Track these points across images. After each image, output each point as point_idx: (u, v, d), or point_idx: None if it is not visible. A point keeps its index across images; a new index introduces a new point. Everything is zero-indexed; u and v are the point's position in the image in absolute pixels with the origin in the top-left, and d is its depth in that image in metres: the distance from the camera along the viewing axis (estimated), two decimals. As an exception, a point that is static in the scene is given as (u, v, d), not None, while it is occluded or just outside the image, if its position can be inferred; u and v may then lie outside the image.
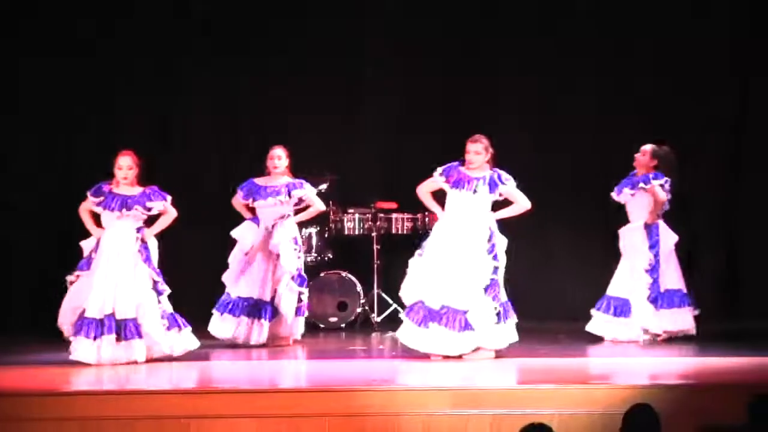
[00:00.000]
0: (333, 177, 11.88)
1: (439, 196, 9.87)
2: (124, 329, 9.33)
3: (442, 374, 8.85)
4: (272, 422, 7.68)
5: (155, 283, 9.50)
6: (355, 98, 12.94)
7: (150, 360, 9.40)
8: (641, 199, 10.77)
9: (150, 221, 9.72)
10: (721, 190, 12.53)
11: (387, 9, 12.87)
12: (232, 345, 10.48)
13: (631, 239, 10.79)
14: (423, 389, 8.12)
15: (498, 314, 9.55)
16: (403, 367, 9.36)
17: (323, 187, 11.68)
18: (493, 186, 9.63)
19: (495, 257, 9.57)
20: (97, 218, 9.60)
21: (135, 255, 9.46)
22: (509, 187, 9.70)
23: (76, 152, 12.40)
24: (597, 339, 10.77)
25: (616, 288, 10.82)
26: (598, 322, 10.80)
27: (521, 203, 9.76)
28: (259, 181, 10.63)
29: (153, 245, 9.62)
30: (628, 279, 10.78)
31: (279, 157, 10.58)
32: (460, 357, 9.40)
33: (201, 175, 12.62)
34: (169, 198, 9.60)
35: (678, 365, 9.57)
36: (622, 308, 10.74)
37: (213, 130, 12.82)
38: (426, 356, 9.44)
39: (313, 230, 11.95)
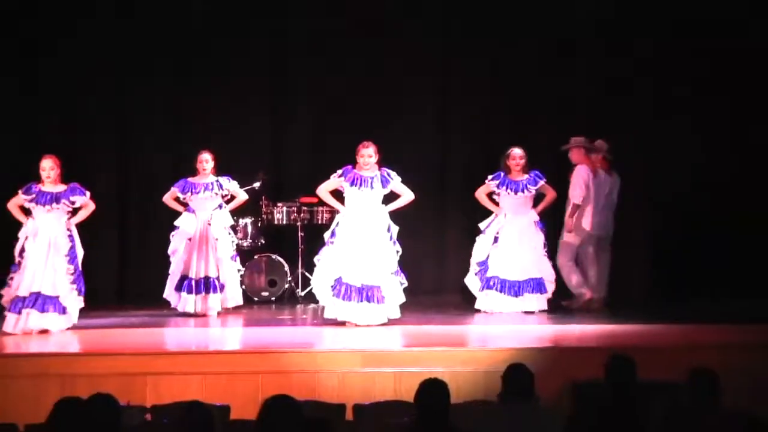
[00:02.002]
0: (265, 177, 11.99)
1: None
2: (51, 304, 9.61)
3: (355, 339, 9.10)
4: (215, 378, 7.99)
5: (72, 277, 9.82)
6: (280, 106, 12.81)
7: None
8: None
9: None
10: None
11: (309, 10, 12.64)
12: (185, 314, 10.74)
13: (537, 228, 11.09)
14: (338, 351, 8.46)
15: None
16: (322, 332, 9.63)
17: (257, 185, 11.89)
18: (384, 182, 9.99)
19: (395, 243, 9.98)
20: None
21: (64, 246, 9.75)
22: (396, 182, 10.07)
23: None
24: (481, 310, 10.89)
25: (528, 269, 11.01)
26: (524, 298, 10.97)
27: (407, 195, 10.11)
28: (192, 179, 11.05)
29: (79, 248, 9.90)
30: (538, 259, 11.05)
31: (207, 160, 11.02)
32: (369, 325, 9.70)
33: (149, 174, 12.48)
34: (88, 194, 9.93)
35: (549, 332, 9.85)
36: (537, 285, 10.97)
37: (145, 131, 12.70)
38: (342, 324, 9.79)
39: (248, 220, 12.06)
